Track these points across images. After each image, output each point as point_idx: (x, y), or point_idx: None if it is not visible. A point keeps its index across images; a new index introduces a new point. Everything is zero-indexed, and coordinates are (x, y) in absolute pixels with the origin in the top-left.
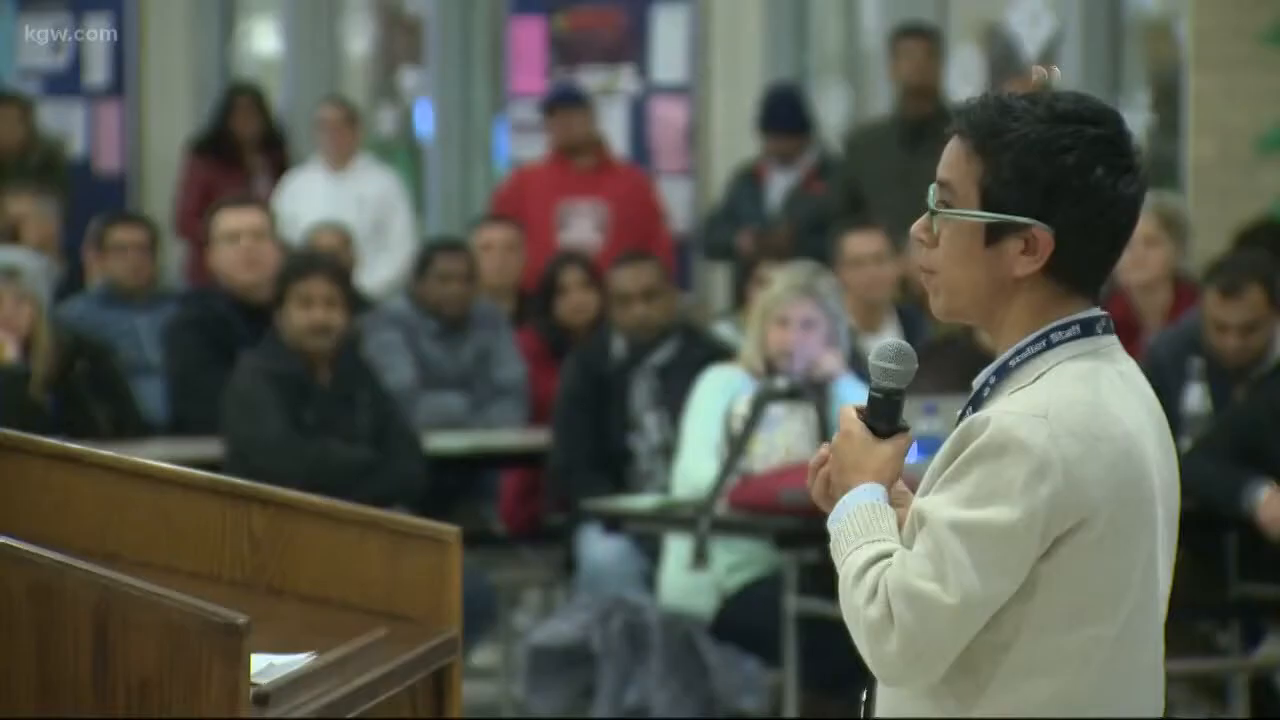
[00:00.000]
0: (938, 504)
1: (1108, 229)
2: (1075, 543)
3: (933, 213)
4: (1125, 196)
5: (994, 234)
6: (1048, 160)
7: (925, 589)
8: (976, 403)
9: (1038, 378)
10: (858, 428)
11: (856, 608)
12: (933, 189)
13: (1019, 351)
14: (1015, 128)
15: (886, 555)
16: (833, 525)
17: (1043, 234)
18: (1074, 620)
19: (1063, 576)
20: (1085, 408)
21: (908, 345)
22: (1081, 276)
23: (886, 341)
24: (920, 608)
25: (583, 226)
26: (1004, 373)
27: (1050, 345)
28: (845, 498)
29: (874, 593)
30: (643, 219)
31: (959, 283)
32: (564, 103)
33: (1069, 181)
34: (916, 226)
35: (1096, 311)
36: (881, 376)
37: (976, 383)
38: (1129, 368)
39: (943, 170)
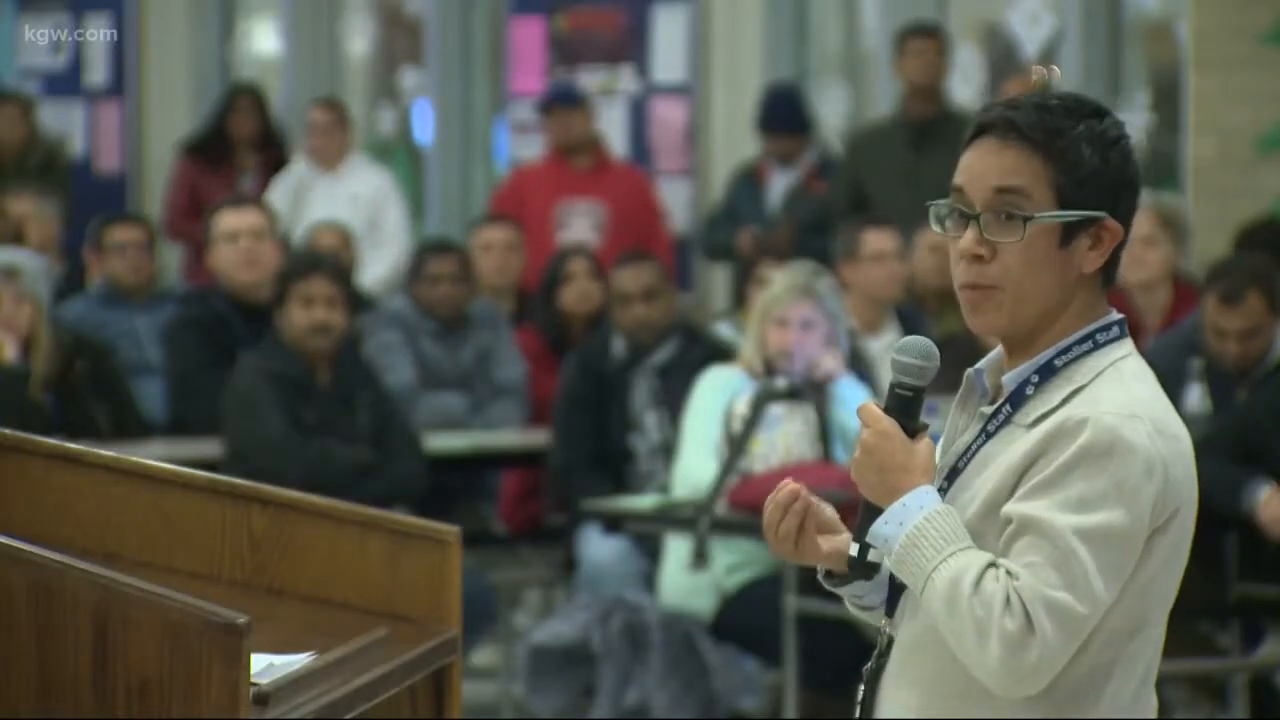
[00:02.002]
0: (1045, 508)
1: (1136, 212)
2: (1157, 543)
3: (1026, 219)
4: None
5: (1069, 233)
6: (1108, 153)
7: (1062, 599)
8: (1016, 401)
9: (1096, 376)
10: (894, 427)
11: (982, 619)
12: (944, 203)
13: (1064, 351)
14: (1072, 124)
15: (994, 563)
16: (894, 528)
17: (1114, 225)
18: (1139, 621)
19: (1144, 576)
20: (1161, 408)
21: (931, 342)
22: (1118, 265)
23: (912, 339)
24: (1059, 618)
25: (581, 226)
26: (1049, 372)
27: (1097, 346)
28: (906, 499)
29: (1007, 602)
30: (641, 219)
31: (1032, 291)
32: (561, 103)
33: (1124, 171)
34: (971, 242)
35: (1118, 314)
36: (909, 373)
37: (1007, 380)
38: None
39: (1003, 178)
